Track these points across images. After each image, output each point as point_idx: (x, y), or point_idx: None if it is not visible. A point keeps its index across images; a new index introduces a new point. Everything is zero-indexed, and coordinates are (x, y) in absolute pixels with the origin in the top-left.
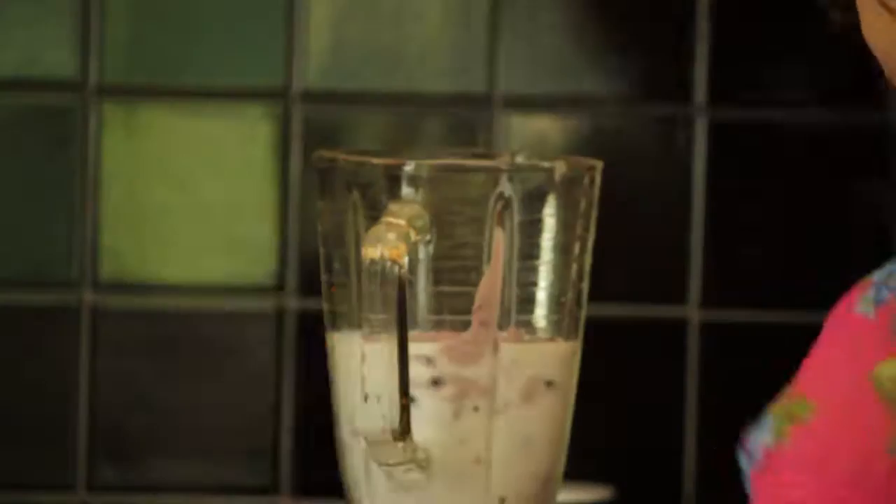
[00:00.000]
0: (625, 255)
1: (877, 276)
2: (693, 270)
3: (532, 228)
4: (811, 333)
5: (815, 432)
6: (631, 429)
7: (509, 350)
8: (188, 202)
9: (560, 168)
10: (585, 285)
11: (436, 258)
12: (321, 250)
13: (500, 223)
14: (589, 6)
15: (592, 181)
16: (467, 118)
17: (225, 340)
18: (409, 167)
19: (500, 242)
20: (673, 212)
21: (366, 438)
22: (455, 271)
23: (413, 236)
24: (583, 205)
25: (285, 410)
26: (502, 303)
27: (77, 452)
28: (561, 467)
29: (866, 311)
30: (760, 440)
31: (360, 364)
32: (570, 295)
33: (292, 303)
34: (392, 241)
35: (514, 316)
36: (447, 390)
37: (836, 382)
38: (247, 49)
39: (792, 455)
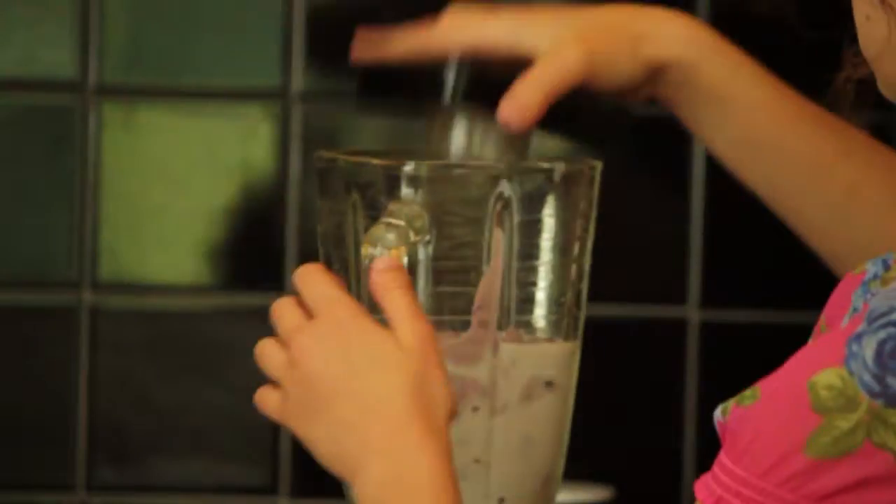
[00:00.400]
0: (625, 255)
1: (869, 267)
2: (692, 270)
3: (531, 229)
4: (810, 333)
5: (748, 419)
6: (631, 429)
7: (509, 350)
8: (187, 202)
9: (559, 168)
10: (585, 285)
11: (435, 258)
12: (321, 250)
13: (500, 223)
14: (587, 6)
15: (592, 181)
16: None
17: (224, 340)
18: (408, 167)
19: (499, 242)
20: (673, 212)
21: None
22: (455, 272)
23: (412, 237)
24: (582, 205)
25: None
26: (502, 303)
27: (76, 452)
28: (560, 467)
29: (844, 321)
30: (718, 412)
31: None
32: (570, 295)
33: None
34: (391, 242)
35: (513, 316)
36: None
37: (784, 380)
38: (246, 49)
39: (728, 435)
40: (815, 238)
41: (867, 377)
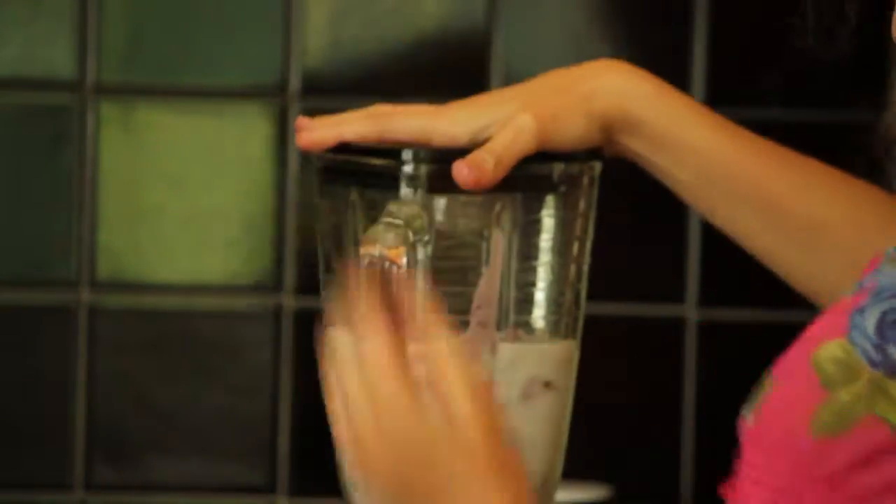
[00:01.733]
0: (624, 255)
1: (890, 251)
2: (691, 269)
3: (531, 229)
4: None
5: (766, 409)
6: (629, 428)
7: (507, 350)
8: (185, 201)
9: (559, 168)
10: (584, 286)
11: (434, 258)
12: (320, 250)
13: (499, 223)
14: (587, 6)
15: (591, 181)
16: None
17: (222, 340)
18: (408, 167)
19: (498, 243)
20: (672, 211)
21: None
22: (453, 271)
23: (411, 236)
24: (582, 205)
25: (283, 410)
26: (501, 303)
27: (75, 452)
28: (559, 467)
29: (848, 293)
30: (746, 413)
31: None
32: (569, 295)
33: (290, 302)
34: (391, 242)
35: (512, 316)
36: None
37: (792, 361)
38: (244, 47)
39: (751, 431)
40: (785, 274)
41: (868, 346)
